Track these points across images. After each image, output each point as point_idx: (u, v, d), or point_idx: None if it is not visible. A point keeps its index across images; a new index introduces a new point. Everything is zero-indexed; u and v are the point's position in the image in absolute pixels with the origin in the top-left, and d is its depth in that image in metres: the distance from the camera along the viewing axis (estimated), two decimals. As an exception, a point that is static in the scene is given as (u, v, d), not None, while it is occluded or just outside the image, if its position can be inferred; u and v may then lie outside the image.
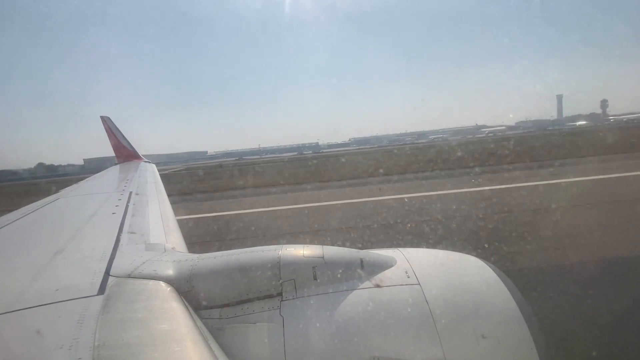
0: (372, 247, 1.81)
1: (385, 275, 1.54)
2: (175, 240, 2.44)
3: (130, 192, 4.17)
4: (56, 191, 4.76)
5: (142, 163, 10.34)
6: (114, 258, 1.76)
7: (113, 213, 2.96)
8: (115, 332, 1.11)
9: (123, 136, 12.40)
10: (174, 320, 1.22)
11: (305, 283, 1.48)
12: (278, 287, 1.47)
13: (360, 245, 7.04)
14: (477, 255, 1.75)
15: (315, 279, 1.49)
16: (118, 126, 12.43)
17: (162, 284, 1.48)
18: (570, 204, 10.50)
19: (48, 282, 1.51)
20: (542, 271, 6.16)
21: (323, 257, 1.56)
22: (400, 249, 1.75)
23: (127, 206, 3.28)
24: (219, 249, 1.74)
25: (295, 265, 1.52)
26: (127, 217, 2.81)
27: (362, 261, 1.57)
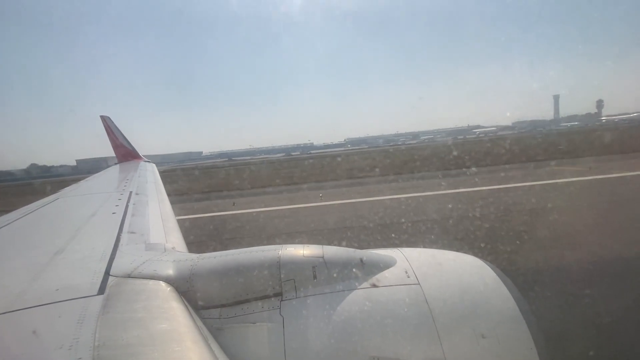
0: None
1: (385, 275, 1.54)
2: (175, 240, 2.44)
3: (130, 192, 4.17)
4: (51, 192, 4.74)
5: (142, 162, 10.32)
6: (114, 258, 1.76)
7: (113, 213, 2.97)
8: (115, 332, 1.11)
9: (123, 136, 12.36)
10: (174, 320, 1.22)
11: (305, 283, 1.48)
12: (278, 287, 1.46)
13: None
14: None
15: (315, 279, 1.49)
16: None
17: (162, 283, 1.48)
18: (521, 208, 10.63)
19: (48, 282, 1.51)
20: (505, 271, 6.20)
21: (323, 257, 1.56)
22: (400, 248, 1.75)
23: (127, 206, 3.28)
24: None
25: (295, 265, 1.52)
26: (127, 216, 2.80)
27: (362, 261, 1.57)
